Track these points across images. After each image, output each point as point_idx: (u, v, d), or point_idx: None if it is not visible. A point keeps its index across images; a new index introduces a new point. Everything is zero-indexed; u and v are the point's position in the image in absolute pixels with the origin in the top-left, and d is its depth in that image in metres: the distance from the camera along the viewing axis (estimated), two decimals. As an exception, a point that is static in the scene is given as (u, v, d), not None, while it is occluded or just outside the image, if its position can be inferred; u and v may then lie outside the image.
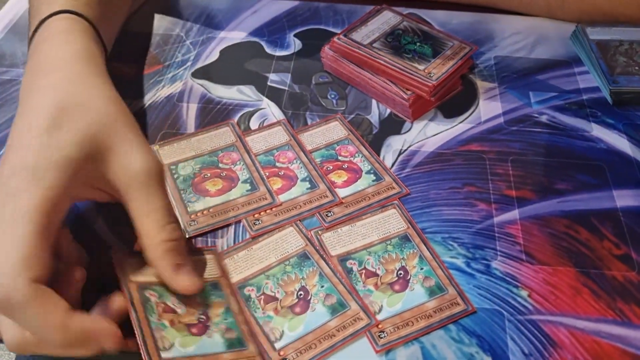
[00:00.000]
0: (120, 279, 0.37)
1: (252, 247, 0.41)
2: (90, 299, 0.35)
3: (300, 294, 0.39)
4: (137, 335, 0.35)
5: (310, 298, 0.39)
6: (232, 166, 0.46)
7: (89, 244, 0.39)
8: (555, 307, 0.39)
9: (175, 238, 0.36)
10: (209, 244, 0.42)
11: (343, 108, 0.52)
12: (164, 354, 0.34)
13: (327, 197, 0.44)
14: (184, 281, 0.35)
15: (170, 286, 0.36)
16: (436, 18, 0.60)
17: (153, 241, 0.35)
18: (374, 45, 0.53)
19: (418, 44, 0.53)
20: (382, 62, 0.51)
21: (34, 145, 0.34)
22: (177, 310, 0.36)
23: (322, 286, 0.39)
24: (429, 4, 0.61)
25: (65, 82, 0.37)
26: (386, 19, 0.55)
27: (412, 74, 0.50)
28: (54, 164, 0.33)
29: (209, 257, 0.41)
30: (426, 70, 0.50)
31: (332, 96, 0.53)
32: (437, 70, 0.50)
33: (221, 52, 0.57)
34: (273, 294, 0.39)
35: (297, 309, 0.38)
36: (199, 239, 0.42)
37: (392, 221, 0.43)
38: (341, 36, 0.53)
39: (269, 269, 0.40)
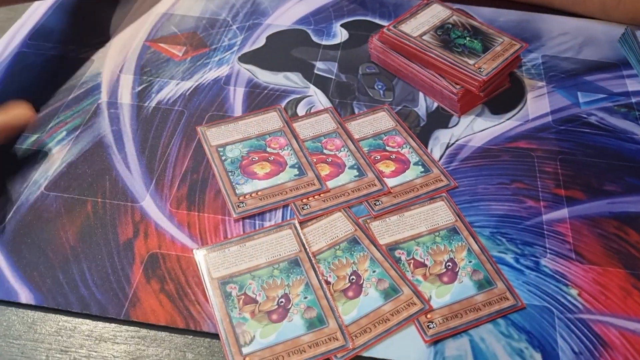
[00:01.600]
0: (202, 275, 0.38)
1: (302, 231, 0.41)
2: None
3: (353, 279, 0.39)
4: (219, 334, 0.36)
5: (363, 282, 0.38)
6: (280, 151, 0.46)
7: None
8: (606, 308, 0.38)
9: None
10: (257, 227, 0.42)
11: (390, 99, 0.52)
12: (244, 350, 0.35)
13: (375, 185, 0.44)
14: None
15: None
16: (483, 15, 0.60)
17: None
18: (424, 38, 0.52)
19: (468, 38, 0.53)
20: (431, 55, 0.51)
21: None
22: (257, 299, 0.37)
23: (374, 271, 0.39)
24: (477, 0, 0.61)
25: None
26: (435, 12, 0.55)
27: (462, 68, 0.49)
28: None
29: (286, 232, 0.41)
30: (476, 65, 0.50)
31: (379, 87, 0.53)
32: (487, 65, 0.50)
33: (267, 38, 0.57)
34: (325, 278, 0.39)
35: (350, 293, 0.38)
36: (247, 221, 0.42)
37: (440, 213, 0.43)
38: (390, 27, 0.53)
39: (320, 252, 0.40)
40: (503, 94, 0.52)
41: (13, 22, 0.58)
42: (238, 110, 0.50)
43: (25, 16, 0.59)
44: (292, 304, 0.37)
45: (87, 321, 0.38)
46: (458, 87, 0.50)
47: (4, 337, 0.37)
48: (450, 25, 0.54)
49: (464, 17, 0.55)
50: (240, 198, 0.43)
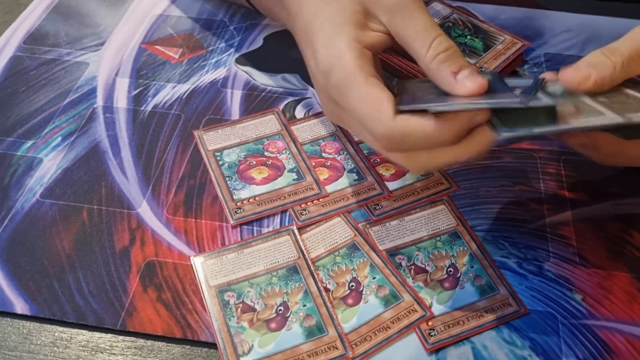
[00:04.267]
0: (199, 283, 0.38)
1: (301, 237, 0.40)
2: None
3: (352, 285, 0.38)
4: (217, 343, 0.35)
5: (363, 289, 0.38)
6: (278, 155, 0.45)
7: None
8: (611, 313, 0.38)
9: (444, 49, 0.37)
10: (255, 233, 0.41)
11: (390, 100, 0.51)
12: (243, 359, 0.34)
13: (375, 189, 0.43)
14: (465, 85, 0.35)
15: (456, 93, 0.35)
16: (484, 12, 0.59)
17: (425, 60, 0.37)
18: (423, 37, 0.51)
19: (469, 37, 0.52)
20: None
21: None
22: (255, 307, 0.37)
23: (374, 277, 0.38)
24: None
25: None
26: (436, 11, 0.54)
27: (462, 68, 0.49)
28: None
29: (284, 238, 0.40)
30: (477, 65, 0.49)
31: (379, 88, 0.52)
32: (488, 64, 0.49)
33: (265, 39, 0.56)
34: (324, 285, 0.38)
35: (350, 301, 0.37)
36: (245, 227, 0.42)
37: (441, 217, 0.42)
38: (390, 27, 0.52)
39: (319, 259, 0.39)
40: (505, 94, 0.51)
41: (7, 26, 0.58)
42: (235, 113, 0.49)
43: (20, 19, 0.58)
44: (290, 312, 0.37)
45: (84, 331, 0.37)
46: (459, 87, 0.49)
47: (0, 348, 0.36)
48: (451, 24, 0.53)
49: (465, 15, 0.54)
50: (238, 204, 0.42)
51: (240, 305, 0.37)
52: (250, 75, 0.53)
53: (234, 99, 0.51)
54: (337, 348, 0.35)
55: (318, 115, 0.49)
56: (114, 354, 0.36)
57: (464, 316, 0.37)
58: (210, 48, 0.55)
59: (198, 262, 0.39)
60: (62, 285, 0.39)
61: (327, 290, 0.38)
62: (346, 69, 0.36)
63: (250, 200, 0.42)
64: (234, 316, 0.36)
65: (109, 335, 0.37)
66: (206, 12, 0.59)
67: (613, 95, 0.36)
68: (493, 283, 0.39)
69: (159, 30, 0.57)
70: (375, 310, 0.37)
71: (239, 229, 0.41)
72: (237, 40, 0.56)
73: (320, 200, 0.43)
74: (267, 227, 0.42)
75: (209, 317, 0.37)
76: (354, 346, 0.35)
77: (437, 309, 0.37)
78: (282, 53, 0.55)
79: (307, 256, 0.39)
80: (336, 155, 0.46)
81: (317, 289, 0.38)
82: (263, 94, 0.51)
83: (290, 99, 0.51)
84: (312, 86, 0.52)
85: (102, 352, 0.36)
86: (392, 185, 0.44)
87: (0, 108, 0.50)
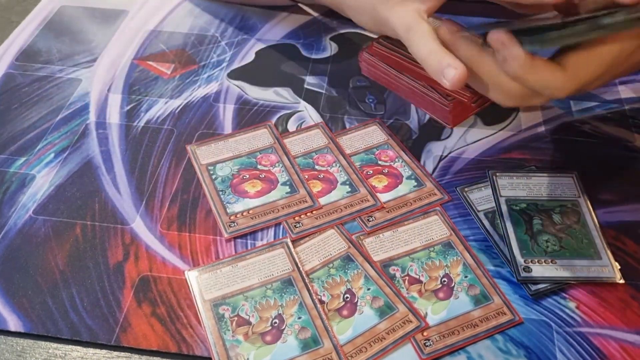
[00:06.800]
0: (194, 297, 0.38)
1: (295, 250, 0.41)
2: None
3: (347, 297, 0.38)
4: (212, 357, 0.35)
5: (357, 301, 0.38)
6: (271, 168, 0.46)
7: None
8: (605, 320, 0.38)
9: None
10: (249, 246, 0.41)
11: (382, 112, 0.51)
12: None
13: (368, 201, 0.43)
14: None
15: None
16: (473, 25, 0.59)
17: None
18: (414, 49, 0.52)
19: (458, 49, 0.52)
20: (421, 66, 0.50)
21: None
22: (250, 321, 0.37)
23: (369, 289, 0.38)
24: (467, 10, 0.61)
25: None
26: (425, 24, 0.55)
27: (453, 80, 0.49)
28: None
29: (278, 251, 0.40)
30: (467, 76, 0.49)
31: (371, 100, 0.52)
32: (478, 76, 0.50)
33: (257, 53, 0.57)
34: (319, 297, 0.38)
35: (345, 312, 0.37)
36: (239, 240, 0.42)
37: (434, 228, 0.42)
38: (380, 39, 0.53)
39: (313, 271, 0.39)
40: (495, 105, 0.52)
41: (0, 43, 0.58)
42: (228, 127, 0.50)
43: (12, 37, 0.59)
44: (286, 325, 0.37)
45: (78, 348, 0.37)
46: (450, 98, 0.49)
47: (-8, 366, 0.36)
48: (440, 37, 0.53)
49: (454, 28, 0.55)
50: (232, 217, 0.42)
51: (235, 318, 0.37)
52: (242, 90, 0.53)
53: (227, 113, 0.51)
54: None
55: (310, 128, 0.49)
56: (109, 370, 0.36)
57: (458, 326, 0.37)
58: (202, 63, 0.56)
59: (192, 276, 0.39)
60: (55, 302, 0.38)
61: (322, 302, 0.38)
62: None
63: (244, 213, 0.43)
64: (229, 330, 0.36)
65: (104, 351, 0.37)
66: (198, 27, 0.60)
67: None
68: (487, 292, 0.39)
69: (151, 46, 0.58)
70: (371, 322, 0.37)
71: (233, 242, 0.41)
72: (228, 54, 0.57)
73: (314, 212, 0.43)
74: (261, 240, 0.42)
75: (204, 331, 0.37)
76: (349, 358, 0.35)
77: (432, 319, 0.37)
78: (274, 67, 0.55)
79: (301, 268, 0.39)
80: (329, 168, 0.46)
81: (311, 301, 0.38)
82: (255, 107, 0.51)
83: (283, 112, 0.51)
84: (303, 99, 0.52)
85: (96, 369, 0.36)
86: (384, 197, 0.44)
87: (-7, 125, 0.50)
